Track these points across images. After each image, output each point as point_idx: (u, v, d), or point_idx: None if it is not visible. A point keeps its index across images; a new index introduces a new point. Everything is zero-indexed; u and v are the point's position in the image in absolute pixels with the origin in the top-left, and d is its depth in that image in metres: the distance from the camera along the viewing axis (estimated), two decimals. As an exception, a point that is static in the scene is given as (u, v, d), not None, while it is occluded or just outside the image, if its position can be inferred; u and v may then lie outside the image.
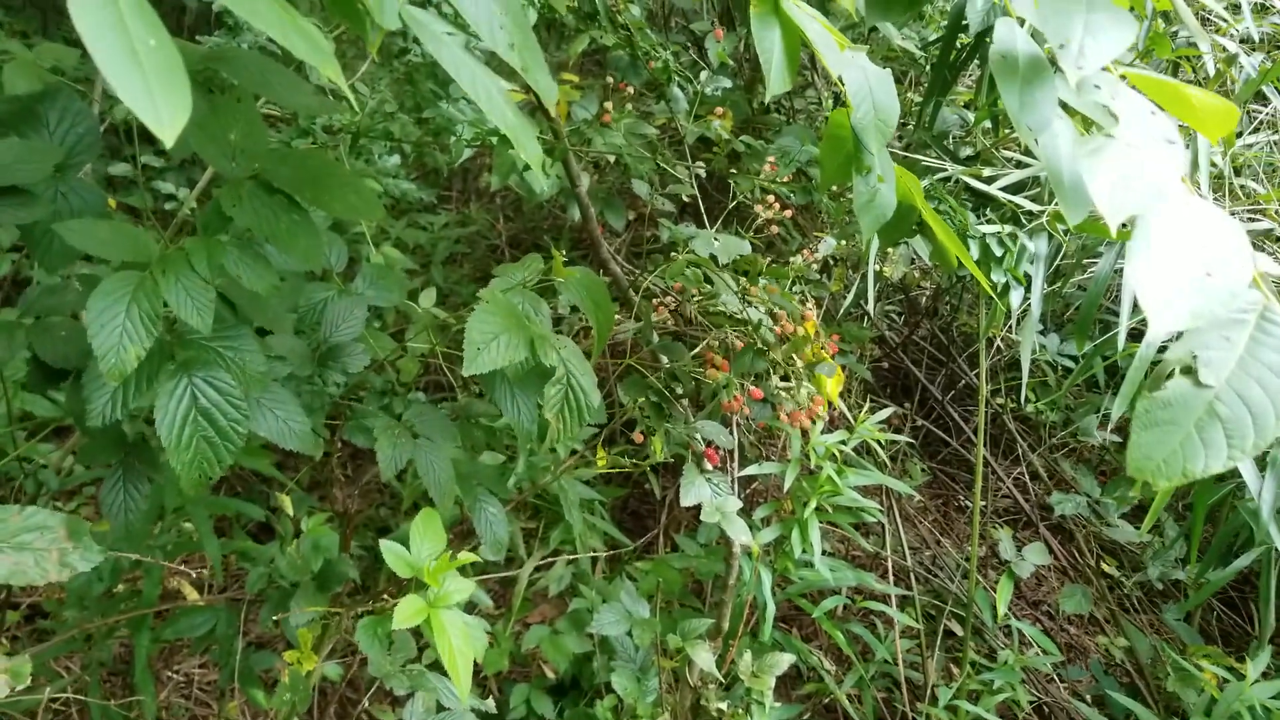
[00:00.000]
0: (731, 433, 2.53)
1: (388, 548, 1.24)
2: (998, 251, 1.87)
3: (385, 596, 1.63)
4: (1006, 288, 1.99)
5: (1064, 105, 1.18)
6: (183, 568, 3.20)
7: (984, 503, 3.22)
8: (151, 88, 0.53)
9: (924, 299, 3.25)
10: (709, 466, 2.29)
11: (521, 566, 3.03)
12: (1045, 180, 2.40)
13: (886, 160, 1.53)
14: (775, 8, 1.33)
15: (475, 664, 1.74)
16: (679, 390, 1.96)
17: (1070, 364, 2.94)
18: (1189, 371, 1.05)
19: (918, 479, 3.22)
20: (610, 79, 2.30)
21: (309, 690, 1.55)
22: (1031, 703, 2.87)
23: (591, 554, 3.08)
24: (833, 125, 1.57)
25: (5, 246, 2.60)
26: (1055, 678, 2.89)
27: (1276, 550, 2.09)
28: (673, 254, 2.14)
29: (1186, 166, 1.12)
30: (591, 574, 3.11)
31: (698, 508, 2.44)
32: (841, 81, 1.42)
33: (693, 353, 2.13)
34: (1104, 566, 2.97)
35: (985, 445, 3.34)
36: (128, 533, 1.29)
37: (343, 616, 1.65)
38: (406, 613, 1.18)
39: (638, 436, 1.93)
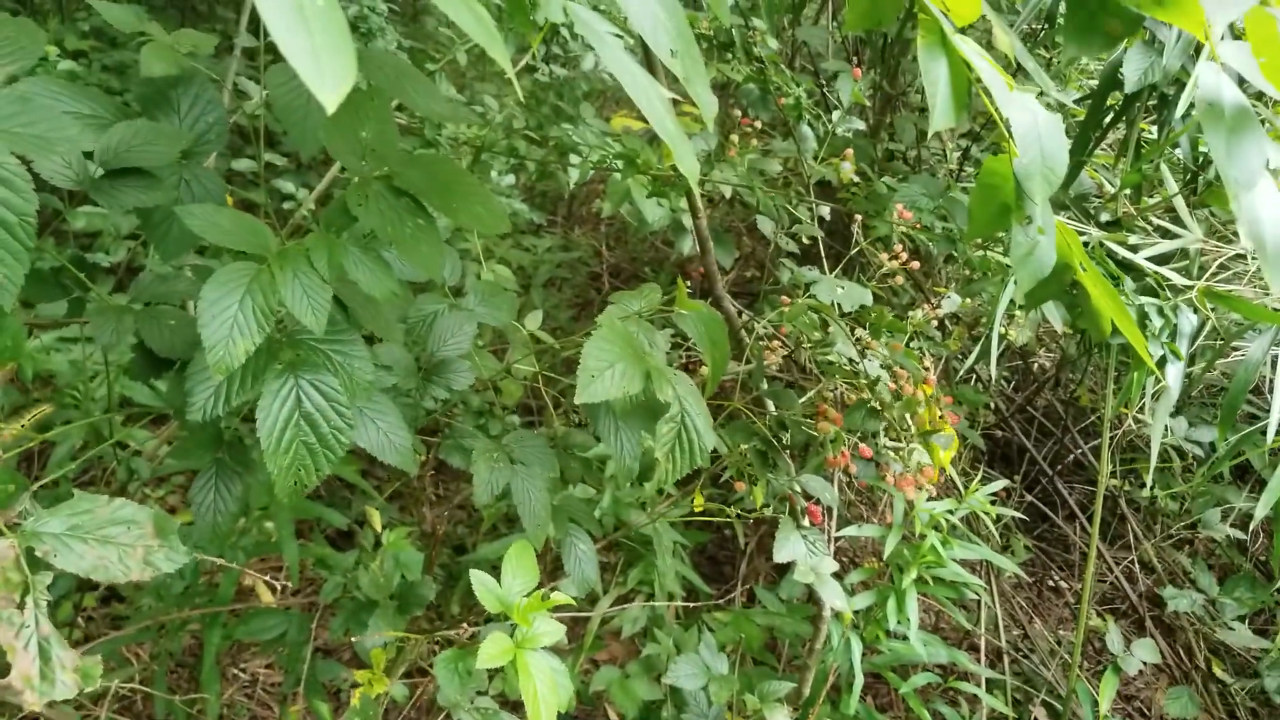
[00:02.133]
0: (834, 495, 2.41)
1: (478, 579, 1.16)
2: (1157, 322, 1.73)
3: (464, 625, 1.55)
4: (1164, 360, 1.85)
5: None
6: (257, 573, 3.19)
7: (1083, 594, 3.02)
8: (317, 48, 0.47)
9: (1043, 367, 3.09)
10: (807, 524, 2.18)
11: (597, 603, 2.94)
12: (1194, 253, 2.25)
13: (1048, 212, 1.42)
14: (943, 39, 1.24)
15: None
16: (785, 440, 1.85)
17: (1197, 450, 2.75)
18: None
19: (1021, 556, 3.04)
20: (736, 112, 2.23)
21: (378, 715, 1.47)
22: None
23: (670, 600, 2.97)
24: (986, 173, 1.46)
25: (123, 233, 2.63)
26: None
27: None
28: (788, 297, 2.05)
29: None
30: (667, 619, 3.01)
31: (781, 562, 2.33)
32: (1008, 125, 1.33)
33: (801, 400, 2.03)
34: (1215, 670, 2.75)
35: (1097, 530, 3.15)
36: (214, 533, 1.23)
37: (419, 642, 1.58)
38: (493, 652, 1.10)
39: (739, 485, 1.83)
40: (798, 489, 2.01)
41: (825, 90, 2.71)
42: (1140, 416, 2.74)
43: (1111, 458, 3.11)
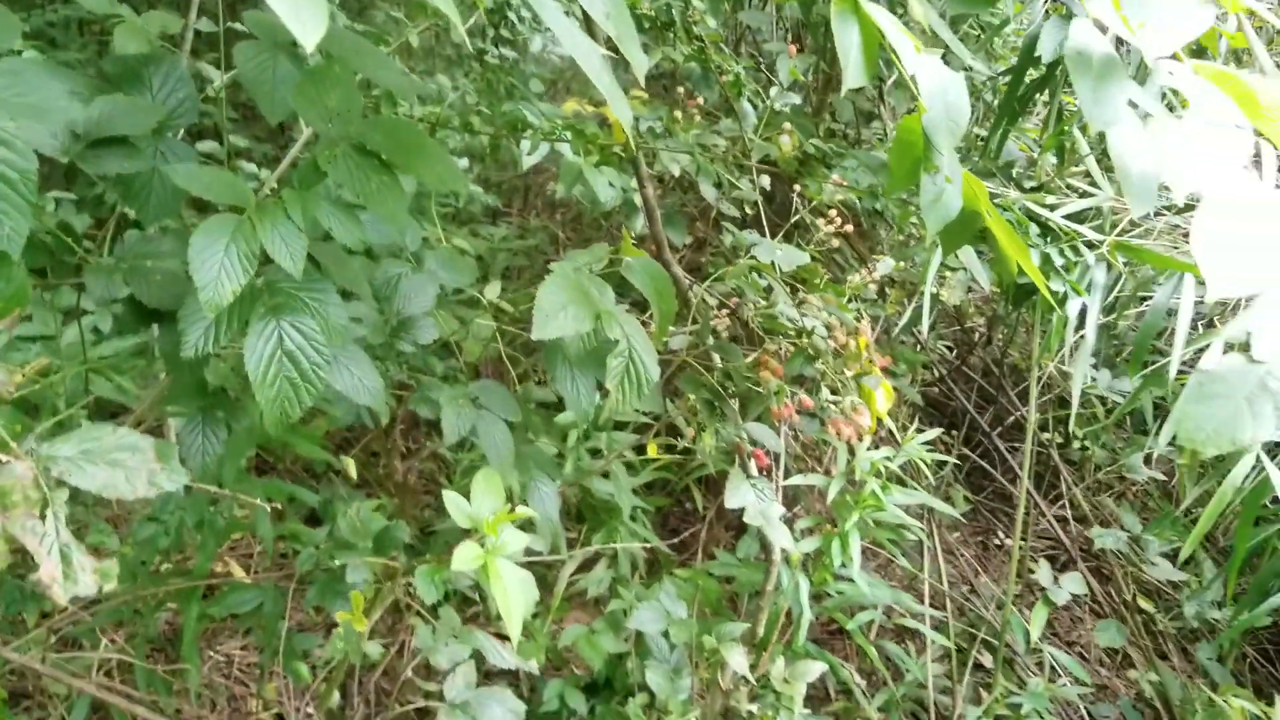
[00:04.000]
0: (779, 442, 2.55)
1: (450, 499, 1.28)
2: (1059, 261, 1.89)
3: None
4: (1065, 297, 2.01)
5: (1132, 105, 1.21)
6: (230, 559, 3.28)
7: (1024, 539, 3.20)
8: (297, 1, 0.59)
9: (978, 330, 3.26)
10: (755, 471, 2.32)
11: (563, 566, 3.06)
12: (1107, 211, 2.42)
13: (955, 162, 1.56)
14: (855, 6, 1.38)
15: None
16: (731, 389, 1.99)
17: (1120, 399, 2.93)
18: (1243, 348, 1.08)
19: (961, 507, 3.21)
20: (680, 90, 2.36)
21: (360, 646, 1.59)
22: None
23: (631, 563, 3.10)
24: (902, 130, 1.61)
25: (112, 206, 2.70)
26: (1086, 715, 2.85)
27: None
28: (736, 261, 2.19)
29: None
30: (631, 580, 3.14)
31: (740, 525, 2.47)
32: (915, 83, 1.47)
33: (749, 360, 2.16)
34: (1140, 603, 2.94)
35: (1030, 479, 3.33)
36: (204, 473, 1.34)
37: (394, 584, 1.70)
38: (464, 557, 1.22)
39: (689, 432, 1.96)
40: (745, 438, 2.14)
41: (768, 72, 2.85)
42: (1065, 368, 2.91)
43: (1045, 413, 3.29)
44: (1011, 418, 3.51)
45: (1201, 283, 2.21)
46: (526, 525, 1.85)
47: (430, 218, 2.87)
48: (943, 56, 1.64)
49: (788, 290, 1.96)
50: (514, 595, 1.23)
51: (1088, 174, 2.69)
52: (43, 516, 1.02)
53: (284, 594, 2.68)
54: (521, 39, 2.62)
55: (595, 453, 3.08)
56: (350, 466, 1.72)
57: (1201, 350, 2.16)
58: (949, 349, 3.45)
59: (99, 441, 1.09)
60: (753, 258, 1.98)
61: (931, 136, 1.53)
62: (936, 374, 3.38)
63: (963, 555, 3.27)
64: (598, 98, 2.61)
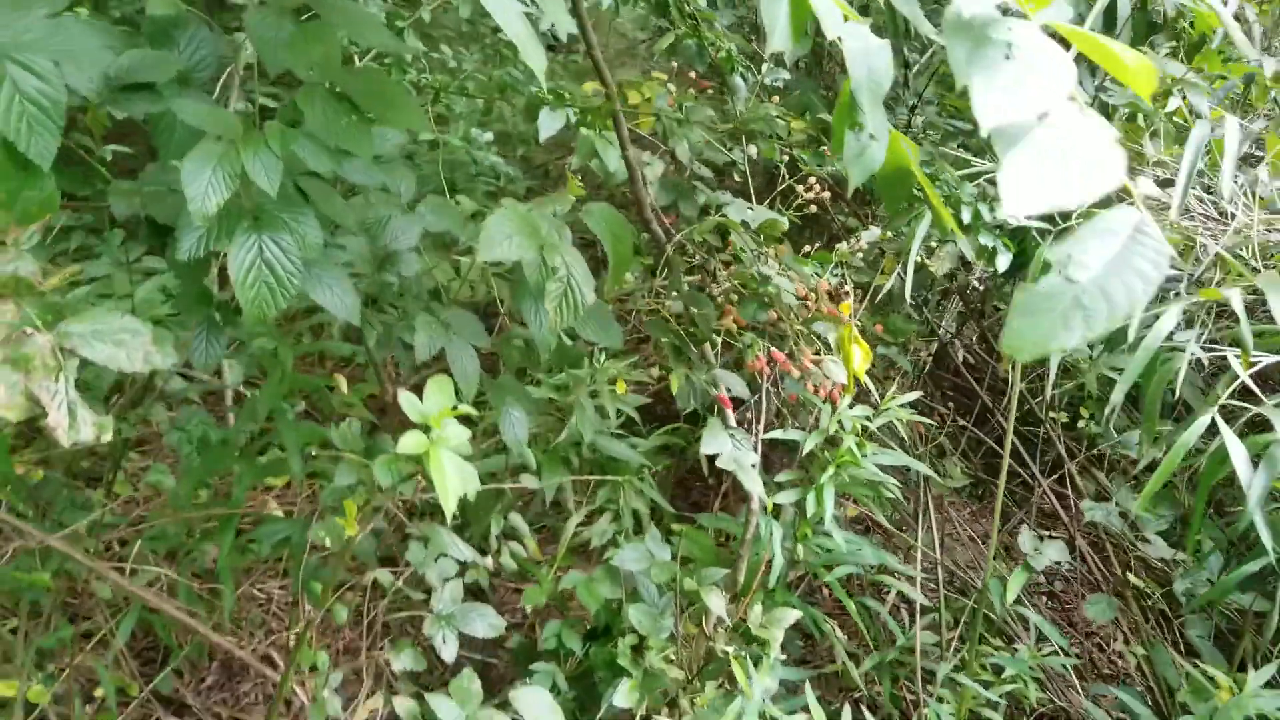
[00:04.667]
0: (761, 401, 2.76)
1: (403, 396, 1.53)
2: (986, 215, 2.05)
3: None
4: (994, 252, 2.18)
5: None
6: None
7: (1023, 513, 3.35)
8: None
9: (973, 304, 3.41)
10: (732, 421, 2.54)
11: (569, 519, 3.31)
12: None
13: (881, 122, 1.76)
14: (778, -28, 1.59)
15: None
16: (699, 336, 2.21)
17: (1116, 376, 3.05)
18: (1063, 269, 1.28)
19: (957, 479, 3.36)
20: (674, 66, 2.58)
21: (344, 539, 1.85)
22: (1046, 703, 2.99)
23: (635, 517, 3.33)
24: (843, 94, 1.81)
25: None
26: (1074, 686, 3.00)
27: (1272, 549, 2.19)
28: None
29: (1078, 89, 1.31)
30: (633, 535, 3.37)
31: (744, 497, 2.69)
32: (842, 46, 1.67)
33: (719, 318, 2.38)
34: (1130, 578, 3.06)
35: (1037, 461, 3.48)
36: (248, 415, 1.62)
37: (384, 495, 1.95)
38: (409, 443, 1.47)
39: (653, 371, 2.19)
40: (716, 386, 2.36)
41: (760, 49, 3.05)
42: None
43: (1042, 390, 3.43)
44: (1027, 407, 3.64)
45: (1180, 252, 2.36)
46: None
47: (473, 194, 3.15)
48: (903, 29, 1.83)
49: (752, 240, 2.17)
50: (451, 479, 1.47)
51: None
52: (56, 379, 1.30)
53: (309, 524, 2.99)
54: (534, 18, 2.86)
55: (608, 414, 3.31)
56: (341, 383, 1.98)
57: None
58: (955, 324, 3.60)
59: (107, 324, 1.36)
60: (723, 215, 2.20)
61: (857, 97, 1.72)
62: (937, 353, 3.54)
63: (963, 529, 3.43)
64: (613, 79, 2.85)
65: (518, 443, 1.99)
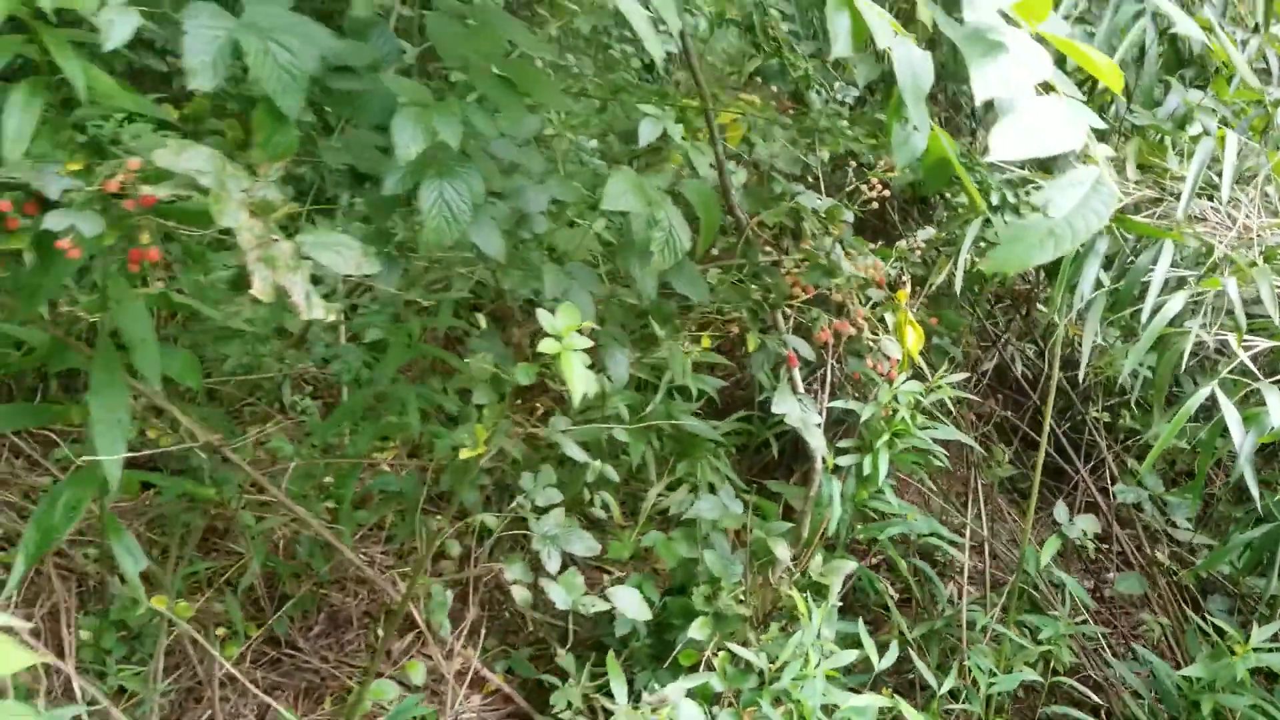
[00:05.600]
0: (826, 374, 3.18)
1: (540, 314, 1.99)
2: (1011, 199, 2.45)
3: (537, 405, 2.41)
4: (1000, 208, 2.58)
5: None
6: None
7: (1061, 498, 3.70)
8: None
9: (1022, 302, 3.78)
10: (800, 387, 2.96)
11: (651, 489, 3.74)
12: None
13: (923, 117, 2.19)
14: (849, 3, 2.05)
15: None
16: (771, 301, 2.65)
17: (1149, 373, 3.39)
18: (1044, 209, 1.72)
19: (1004, 469, 3.73)
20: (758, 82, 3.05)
21: (473, 446, 2.30)
22: (1078, 667, 3.33)
23: (711, 484, 3.74)
24: (894, 95, 2.26)
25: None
26: (1102, 648, 3.33)
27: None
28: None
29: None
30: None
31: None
32: (891, 56, 2.11)
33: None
34: (1159, 555, 3.39)
35: (1081, 455, 3.83)
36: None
37: (506, 423, 2.42)
38: (546, 345, 1.92)
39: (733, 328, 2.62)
40: (786, 349, 2.79)
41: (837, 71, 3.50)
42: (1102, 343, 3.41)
43: (1091, 393, 3.79)
44: (1073, 414, 3.98)
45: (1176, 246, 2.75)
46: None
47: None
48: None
49: (822, 229, 2.61)
50: (578, 375, 1.93)
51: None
52: (295, 273, 1.79)
53: (421, 477, 3.47)
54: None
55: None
56: (482, 319, 2.44)
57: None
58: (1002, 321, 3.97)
59: (329, 238, 1.85)
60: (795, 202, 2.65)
61: (903, 96, 2.16)
62: (993, 359, 3.91)
63: (1009, 514, 3.78)
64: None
65: (620, 378, 2.44)
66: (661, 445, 3.94)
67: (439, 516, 3.33)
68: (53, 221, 1.85)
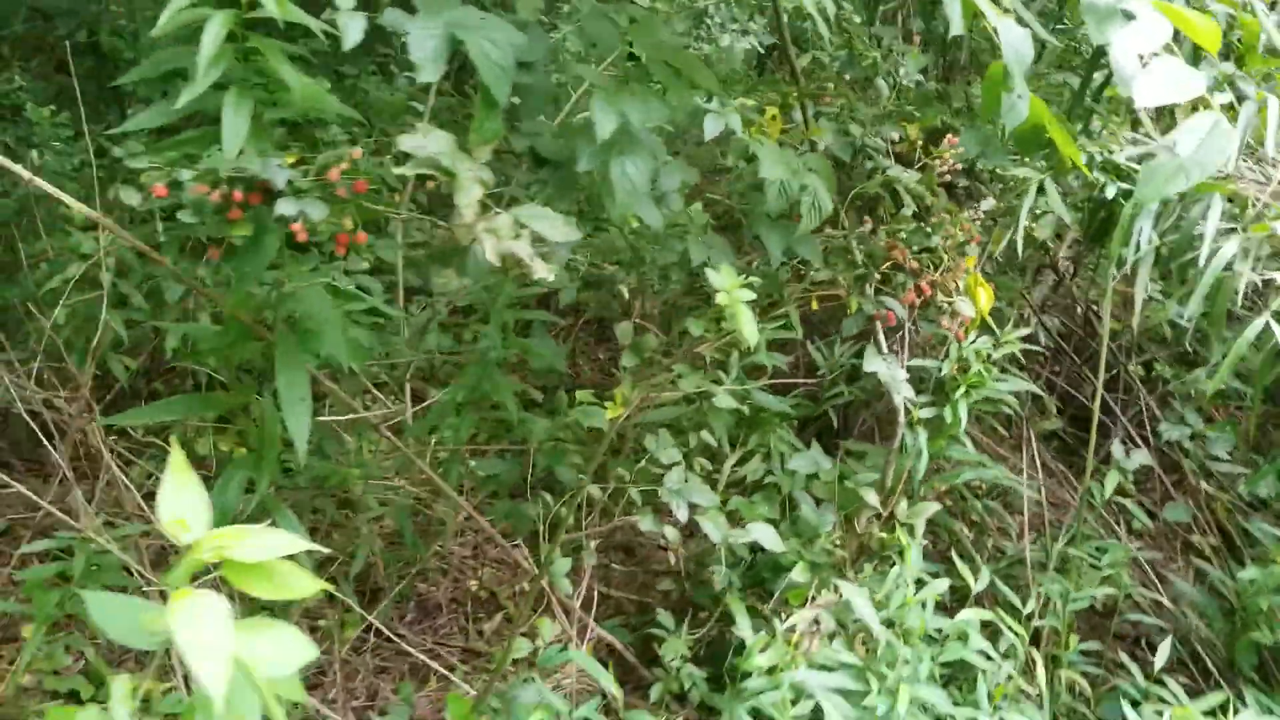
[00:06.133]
0: (905, 335, 3.51)
1: (710, 274, 2.29)
2: (1098, 158, 2.78)
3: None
4: (1104, 186, 2.93)
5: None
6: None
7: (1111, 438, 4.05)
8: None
9: (1065, 269, 4.15)
10: (884, 347, 3.28)
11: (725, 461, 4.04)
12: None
13: (1024, 86, 2.52)
14: (959, -11, 2.38)
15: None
16: (871, 267, 2.98)
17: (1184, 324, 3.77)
18: (1173, 150, 2.06)
19: (1053, 422, 4.09)
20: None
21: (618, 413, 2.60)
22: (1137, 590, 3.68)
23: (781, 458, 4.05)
24: (989, 74, 2.59)
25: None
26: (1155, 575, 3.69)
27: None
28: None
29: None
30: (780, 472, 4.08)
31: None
32: (997, 34, 2.44)
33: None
34: (1203, 485, 3.76)
35: (1118, 406, 4.19)
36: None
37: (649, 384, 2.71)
38: (721, 298, 2.23)
39: (842, 292, 2.93)
40: (881, 310, 3.11)
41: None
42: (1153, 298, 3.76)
43: (1130, 354, 4.17)
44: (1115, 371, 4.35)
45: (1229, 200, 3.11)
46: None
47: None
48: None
49: (920, 196, 2.94)
50: (748, 322, 2.23)
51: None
52: (518, 240, 2.08)
53: (523, 462, 3.74)
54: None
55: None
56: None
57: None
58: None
59: (537, 211, 2.14)
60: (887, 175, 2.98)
61: (1010, 68, 2.49)
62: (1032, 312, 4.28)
63: (1056, 465, 4.14)
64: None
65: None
66: (741, 423, 4.25)
67: (545, 496, 3.61)
68: (284, 208, 2.12)
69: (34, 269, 3.77)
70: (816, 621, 2.72)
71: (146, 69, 2.07)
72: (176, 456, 1.35)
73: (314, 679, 3.74)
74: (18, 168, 1.91)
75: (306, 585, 1.34)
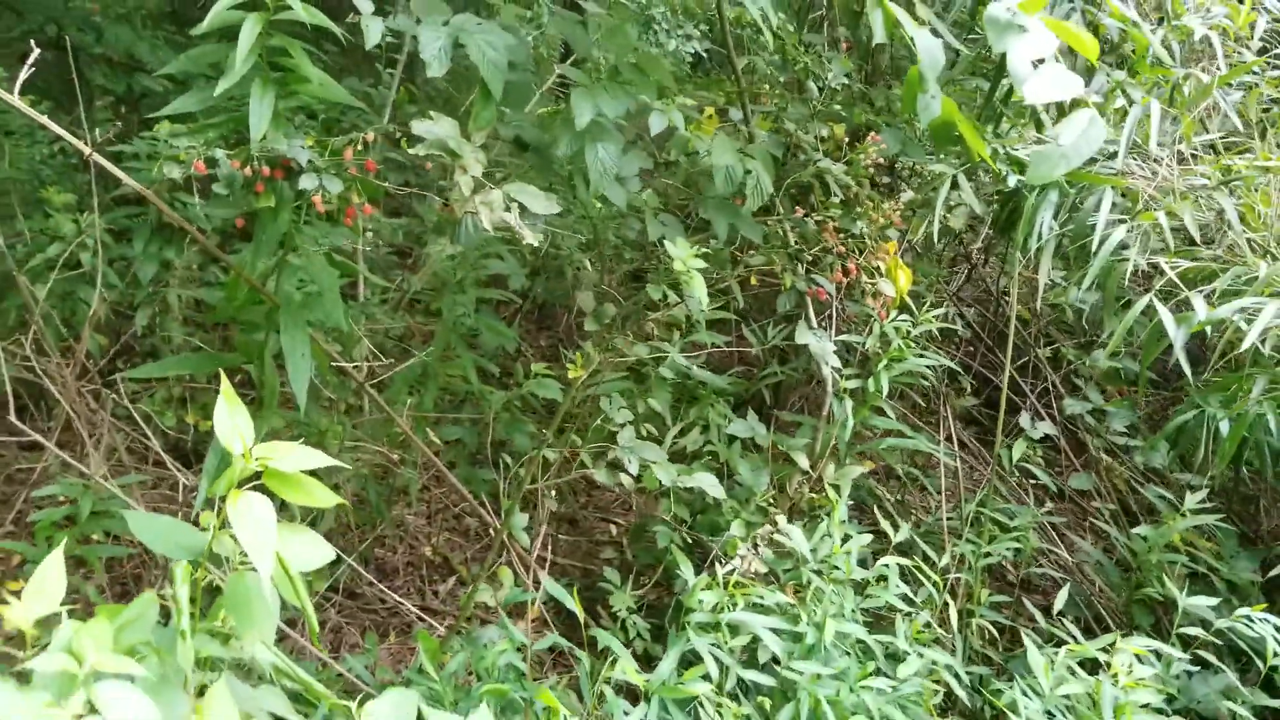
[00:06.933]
0: (832, 313, 3.98)
1: (670, 246, 2.72)
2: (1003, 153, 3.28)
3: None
4: (1006, 175, 3.43)
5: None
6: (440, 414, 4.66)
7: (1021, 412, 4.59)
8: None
9: (975, 256, 4.68)
10: (814, 322, 3.75)
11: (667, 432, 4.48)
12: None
13: (936, 88, 2.99)
14: (882, 4, 2.84)
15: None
16: (805, 251, 3.44)
17: (1088, 310, 4.33)
18: (1055, 139, 2.56)
19: (968, 399, 4.61)
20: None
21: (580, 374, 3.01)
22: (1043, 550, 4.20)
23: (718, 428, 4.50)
24: (908, 76, 3.07)
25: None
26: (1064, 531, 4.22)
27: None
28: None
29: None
30: (717, 442, 4.53)
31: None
32: (914, 42, 2.91)
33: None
34: (1103, 456, 4.31)
35: (1027, 386, 4.72)
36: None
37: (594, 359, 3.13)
38: (678, 266, 2.66)
39: (778, 271, 3.39)
40: (813, 286, 3.57)
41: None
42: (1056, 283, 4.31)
43: (1038, 339, 4.71)
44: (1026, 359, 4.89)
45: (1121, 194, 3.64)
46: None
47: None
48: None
49: (849, 185, 3.41)
50: (699, 286, 2.67)
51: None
52: (510, 212, 2.48)
53: (480, 430, 4.13)
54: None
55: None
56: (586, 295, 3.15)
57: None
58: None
59: (524, 188, 2.55)
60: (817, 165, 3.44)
61: (923, 72, 2.96)
62: (949, 299, 4.80)
63: (970, 439, 4.66)
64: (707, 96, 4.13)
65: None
66: (683, 399, 4.69)
67: (505, 458, 4.01)
68: (306, 183, 2.50)
69: (11, 250, 4.04)
70: (755, 545, 3.15)
71: (183, 63, 2.42)
72: (227, 388, 1.68)
73: (281, 631, 4.07)
74: (79, 143, 2.25)
75: (327, 497, 1.65)
